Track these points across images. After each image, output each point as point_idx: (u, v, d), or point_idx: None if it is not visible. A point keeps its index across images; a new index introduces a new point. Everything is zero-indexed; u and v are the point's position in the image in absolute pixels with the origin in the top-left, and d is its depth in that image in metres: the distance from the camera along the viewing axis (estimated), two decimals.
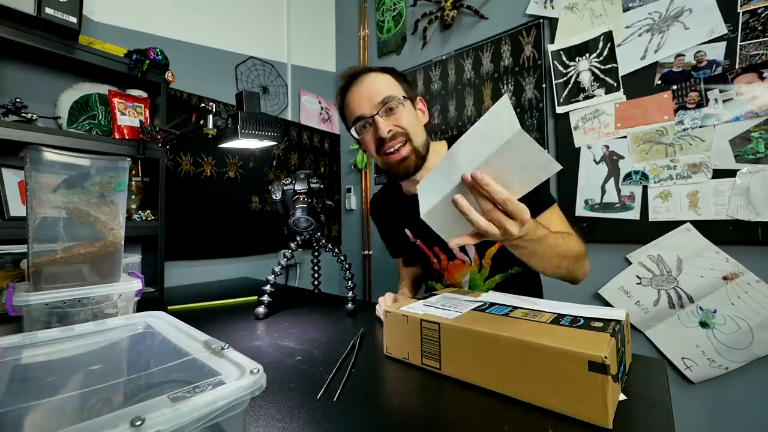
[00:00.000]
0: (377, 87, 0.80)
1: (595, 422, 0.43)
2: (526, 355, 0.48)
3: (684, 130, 1.19)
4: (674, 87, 1.21)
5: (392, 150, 0.79)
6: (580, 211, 1.39)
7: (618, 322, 0.53)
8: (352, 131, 0.85)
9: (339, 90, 0.86)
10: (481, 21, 1.69)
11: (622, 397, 0.49)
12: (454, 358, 0.56)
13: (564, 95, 1.43)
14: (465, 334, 0.55)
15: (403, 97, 0.81)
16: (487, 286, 0.90)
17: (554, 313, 0.58)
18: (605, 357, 0.42)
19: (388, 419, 0.47)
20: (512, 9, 1.58)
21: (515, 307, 0.63)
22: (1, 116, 1.03)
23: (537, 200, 0.76)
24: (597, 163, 1.36)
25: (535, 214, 0.65)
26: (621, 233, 1.30)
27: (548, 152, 1.48)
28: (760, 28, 1.08)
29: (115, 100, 1.20)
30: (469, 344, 0.54)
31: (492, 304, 0.66)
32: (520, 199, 0.49)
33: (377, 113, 0.78)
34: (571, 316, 0.57)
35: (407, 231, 0.97)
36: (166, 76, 1.30)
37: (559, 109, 1.44)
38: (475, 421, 0.46)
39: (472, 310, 0.63)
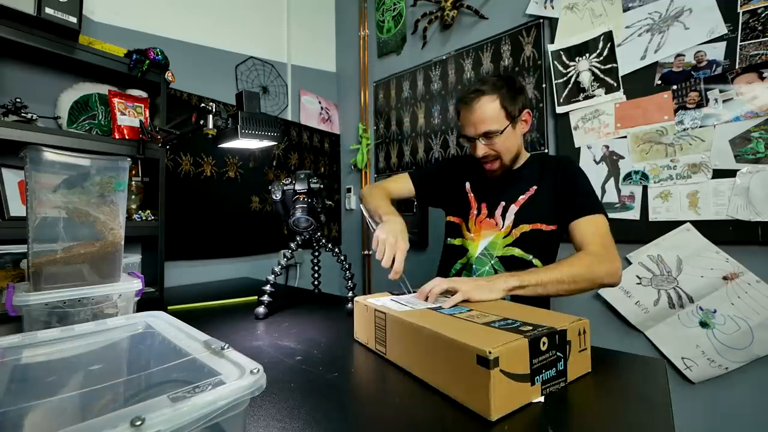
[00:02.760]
0: (483, 117, 0.95)
1: (481, 413, 0.45)
2: (436, 346, 0.53)
3: (684, 130, 1.19)
4: (674, 87, 1.21)
5: (485, 163, 1.02)
6: None
7: (550, 328, 0.52)
8: (461, 139, 1.06)
9: (457, 102, 1.05)
10: (481, 21, 1.69)
11: (538, 399, 0.49)
12: (395, 346, 0.63)
13: (564, 95, 1.43)
14: (399, 323, 0.62)
15: (503, 129, 0.95)
16: (504, 251, 0.99)
17: (499, 317, 0.60)
18: (490, 352, 0.44)
19: (388, 419, 0.47)
20: (512, 9, 1.58)
21: (471, 309, 0.66)
22: (1, 116, 1.03)
23: (575, 206, 0.94)
24: (597, 163, 1.36)
25: (572, 218, 0.92)
26: (621, 233, 1.29)
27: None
28: (760, 28, 1.07)
29: (115, 100, 1.20)
30: (402, 333, 0.61)
31: (451, 306, 0.68)
32: (566, 199, 0.96)
33: (478, 139, 0.97)
34: (512, 320, 0.58)
35: (467, 184, 1.12)
36: (166, 76, 1.30)
37: (559, 109, 1.44)
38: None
39: (427, 308, 0.67)
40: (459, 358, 0.48)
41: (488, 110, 0.95)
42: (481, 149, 0.98)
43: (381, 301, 0.72)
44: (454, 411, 0.48)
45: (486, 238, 1.02)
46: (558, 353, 0.52)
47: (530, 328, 0.53)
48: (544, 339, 0.50)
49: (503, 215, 1.02)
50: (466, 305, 0.70)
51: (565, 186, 0.97)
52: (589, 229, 0.90)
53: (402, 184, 1.17)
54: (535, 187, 1.00)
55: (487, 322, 0.57)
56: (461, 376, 0.48)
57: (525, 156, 1.08)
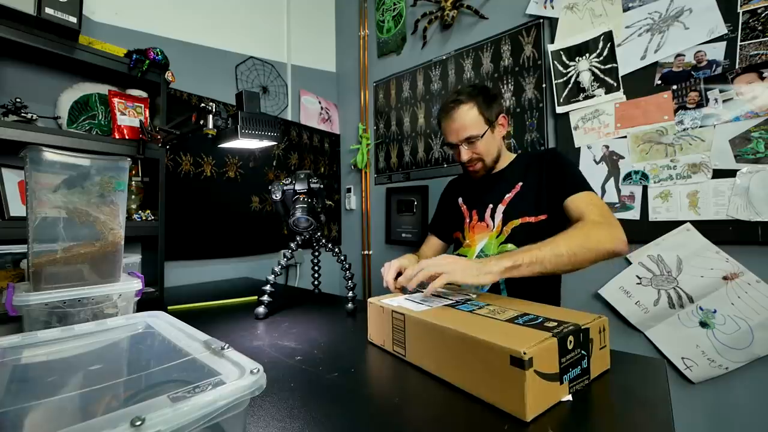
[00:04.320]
0: (463, 124, 1.01)
1: (515, 414, 0.45)
2: (464, 347, 0.51)
3: (684, 130, 1.19)
4: (674, 87, 1.21)
5: (469, 166, 1.07)
6: None
7: (575, 325, 0.53)
8: (445, 147, 1.11)
9: (438, 113, 1.11)
10: (481, 21, 1.69)
11: (567, 397, 0.49)
12: (416, 347, 0.61)
13: (564, 95, 1.43)
14: (421, 324, 0.60)
15: (483, 133, 1.01)
16: (499, 249, 1.01)
17: (519, 312, 0.60)
18: (525, 352, 0.43)
19: (388, 419, 0.47)
20: (512, 9, 1.58)
21: (488, 304, 0.66)
22: (1, 116, 1.03)
23: (566, 185, 0.94)
24: (597, 163, 1.36)
25: (564, 197, 0.93)
26: None
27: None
28: (760, 28, 1.07)
29: (115, 100, 1.20)
30: (424, 334, 0.59)
31: (466, 302, 0.68)
32: (556, 182, 0.97)
33: (461, 144, 1.03)
34: (533, 315, 0.58)
35: (460, 198, 1.18)
36: (166, 76, 1.30)
37: (559, 109, 1.44)
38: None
39: (444, 306, 0.66)
40: (490, 358, 0.47)
41: (467, 118, 1.01)
42: (465, 154, 1.04)
43: (396, 301, 0.71)
44: (470, 409, 0.47)
45: (481, 241, 1.05)
46: (582, 351, 0.52)
47: (555, 324, 0.53)
48: (571, 337, 0.50)
49: (492, 216, 1.05)
50: (482, 300, 0.70)
51: (553, 172, 0.99)
52: (584, 202, 0.90)
53: (430, 243, 1.27)
54: (520, 183, 1.03)
55: (509, 318, 0.57)
56: (492, 376, 0.47)
57: (509, 157, 1.12)
